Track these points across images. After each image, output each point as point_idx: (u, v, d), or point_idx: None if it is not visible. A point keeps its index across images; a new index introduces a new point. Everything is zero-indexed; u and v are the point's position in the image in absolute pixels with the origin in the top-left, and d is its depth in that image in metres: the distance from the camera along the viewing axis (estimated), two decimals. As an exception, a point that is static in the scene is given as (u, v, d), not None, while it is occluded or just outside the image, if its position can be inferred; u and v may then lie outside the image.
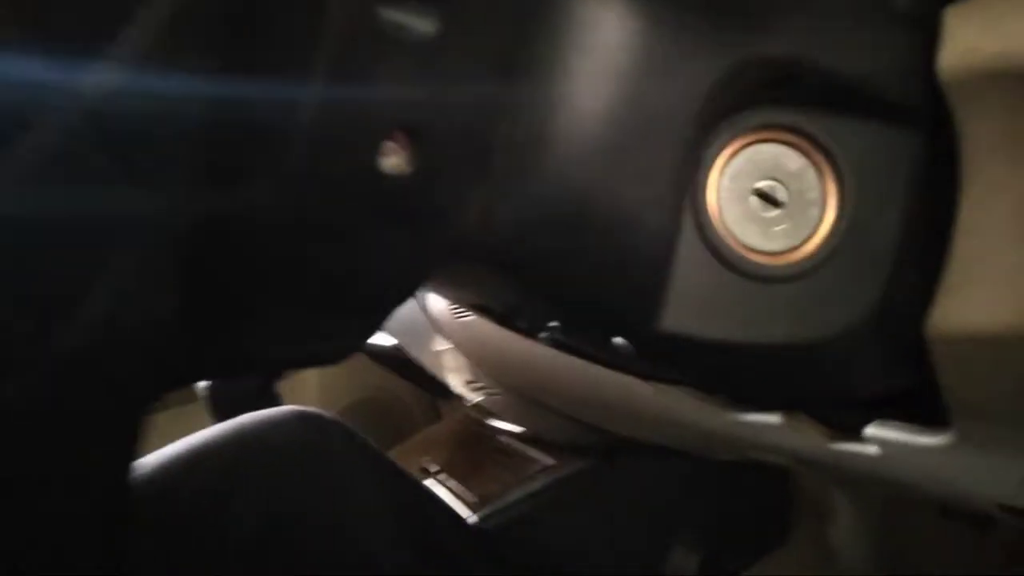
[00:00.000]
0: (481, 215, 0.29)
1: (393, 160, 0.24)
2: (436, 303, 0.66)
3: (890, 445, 0.42)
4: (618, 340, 0.35)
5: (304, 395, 1.20)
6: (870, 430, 0.43)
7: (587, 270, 0.30)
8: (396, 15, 0.21)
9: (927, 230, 0.33)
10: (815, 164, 0.32)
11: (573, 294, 0.31)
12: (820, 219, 0.32)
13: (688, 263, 0.31)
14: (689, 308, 0.32)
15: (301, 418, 0.53)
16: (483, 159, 0.28)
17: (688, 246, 0.31)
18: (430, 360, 0.84)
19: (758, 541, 0.83)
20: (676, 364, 0.34)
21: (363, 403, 1.26)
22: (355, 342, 0.32)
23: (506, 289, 0.32)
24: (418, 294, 0.68)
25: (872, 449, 0.44)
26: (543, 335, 0.38)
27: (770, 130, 0.32)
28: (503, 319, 0.38)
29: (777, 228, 0.32)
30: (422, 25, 0.22)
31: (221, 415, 0.67)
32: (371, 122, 0.23)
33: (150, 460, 0.49)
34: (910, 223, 0.32)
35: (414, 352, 0.84)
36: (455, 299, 0.38)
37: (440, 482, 0.81)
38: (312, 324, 0.30)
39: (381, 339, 0.87)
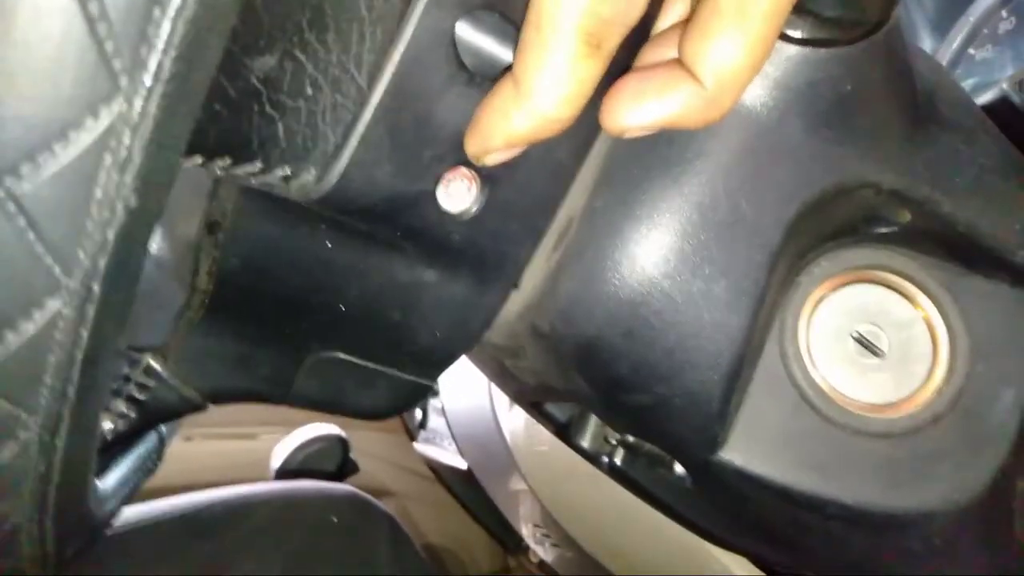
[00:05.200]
0: (545, 281, 0.28)
1: (457, 199, 0.24)
2: (515, 430, 0.64)
3: None
4: (679, 471, 0.31)
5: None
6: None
7: (646, 373, 0.28)
8: (474, 35, 0.21)
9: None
10: (927, 317, 0.29)
11: (628, 400, 0.29)
12: (926, 379, 0.29)
13: (767, 394, 0.29)
14: (760, 443, 0.28)
15: (352, 499, 0.53)
16: (551, 212, 0.27)
17: (770, 375, 0.29)
18: (503, 499, 0.80)
19: None
20: (738, 507, 0.31)
21: (435, 545, 1.22)
22: (405, 399, 0.30)
23: (560, 378, 0.30)
24: (497, 418, 0.66)
25: None
26: (603, 458, 0.35)
27: (879, 271, 0.29)
28: (563, 430, 0.36)
29: (875, 378, 0.29)
30: (500, 52, 0.21)
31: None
32: (431, 146, 0.23)
33: (208, 493, 0.50)
34: None
35: (488, 486, 0.80)
36: (514, 392, 0.37)
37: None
38: (361, 372, 0.30)
39: (457, 462, 0.84)
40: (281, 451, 0.77)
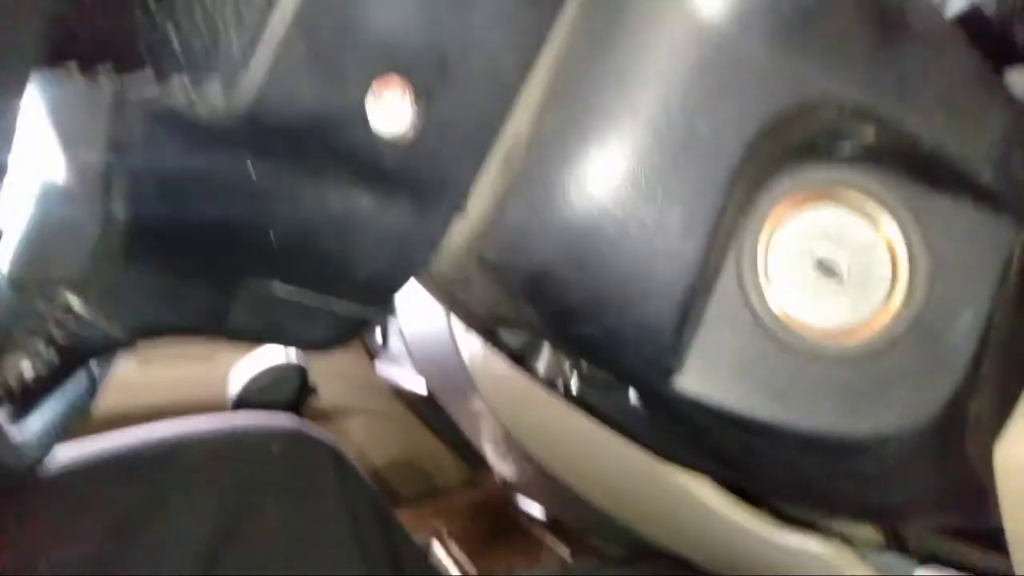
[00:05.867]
0: (490, 208, 0.26)
1: (391, 115, 0.22)
2: (473, 352, 0.63)
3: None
4: (635, 398, 0.31)
5: (344, 447, 1.19)
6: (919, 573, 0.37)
7: (597, 303, 0.26)
8: None
9: (1013, 343, 0.29)
10: (887, 239, 0.28)
11: (579, 331, 0.28)
12: (885, 302, 0.28)
13: (723, 321, 0.28)
14: (715, 372, 0.28)
15: (293, 431, 0.52)
16: (495, 130, 0.25)
17: (726, 301, 0.28)
18: (465, 420, 0.80)
19: None
20: (693, 434, 0.30)
21: (401, 460, 1.24)
22: (348, 330, 0.29)
23: (510, 309, 0.29)
24: (455, 340, 0.65)
25: (921, 603, 0.37)
26: (559, 384, 0.34)
27: (841, 190, 0.28)
28: (518, 358, 0.35)
29: (833, 303, 0.28)
30: None
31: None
32: (357, 49, 0.20)
33: (145, 430, 0.48)
34: (992, 330, 0.27)
35: (450, 407, 0.80)
36: (466, 320, 0.35)
37: (447, 548, 0.77)
38: (300, 303, 0.28)
39: (418, 387, 0.84)
40: (237, 379, 0.76)
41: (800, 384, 0.28)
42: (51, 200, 0.25)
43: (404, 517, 0.93)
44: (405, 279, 0.27)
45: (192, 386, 0.99)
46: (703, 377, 0.28)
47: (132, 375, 0.98)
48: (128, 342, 0.28)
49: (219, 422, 0.50)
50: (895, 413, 0.27)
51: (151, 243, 0.26)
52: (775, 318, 0.28)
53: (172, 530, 0.44)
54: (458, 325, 0.65)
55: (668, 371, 0.27)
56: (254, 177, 0.23)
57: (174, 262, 0.27)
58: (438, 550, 0.77)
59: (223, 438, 0.49)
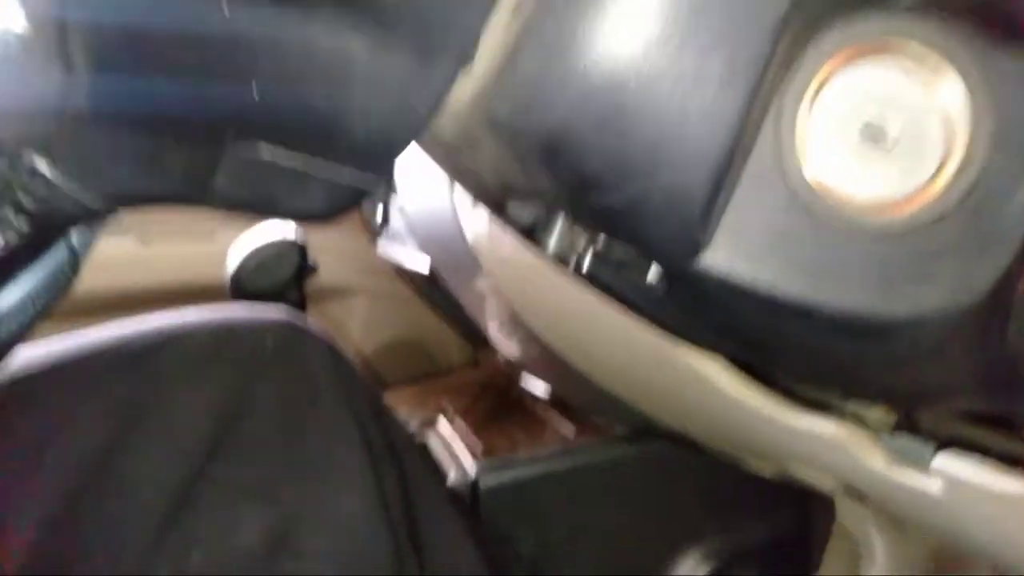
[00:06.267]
0: (500, 59, 0.23)
1: None
2: (478, 232, 0.61)
3: (959, 485, 0.35)
4: (654, 276, 0.29)
5: (347, 326, 1.18)
6: (939, 461, 0.36)
7: (620, 169, 0.24)
8: None
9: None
10: (946, 99, 0.25)
11: (599, 200, 0.25)
12: (937, 171, 0.25)
13: (755, 191, 0.25)
14: (745, 247, 0.25)
15: (287, 324, 0.51)
16: None
17: (760, 170, 0.25)
18: (469, 300, 0.79)
19: (782, 566, 0.76)
20: (715, 315, 0.28)
21: (403, 340, 1.24)
22: (345, 200, 0.26)
23: (522, 176, 0.27)
24: (460, 220, 0.63)
25: (936, 486, 0.37)
26: (571, 261, 0.32)
27: (898, 43, 0.25)
28: (527, 233, 0.32)
29: (879, 171, 0.25)
30: None
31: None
32: None
33: (139, 320, 0.48)
34: None
35: (453, 287, 0.79)
36: (474, 191, 0.33)
37: (452, 425, 0.77)
38: (291, 168, 0.25)
39: (420, 266, 0.82)
40: (235, 255, 0.74)
41: (836, 261, 0.25)
42: (4, 52, 0.22)
43: (408, 395, 0.94)
44: (406, 140, 0.24)
45: (192, 265, 0.98)
46: (732, 253, 0.25)
47: (131, 254, 0.96)
48: (105, 210, 0.26)
49: (211, 314, 0.49)
50: (937, 293, 0.25)
51: (121, 100, 0.23)
52: (813, 189, 0.25)
53: (172, 420, 0.44)
54: (462, 202, 0.62)
55: (695, 246, 0.25)
56: (227, 14, 0.19)
57: (149, 122, 0.24)
58: (443, 427, 0.78)
59: (217, 329, 0.48)
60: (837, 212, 0.25)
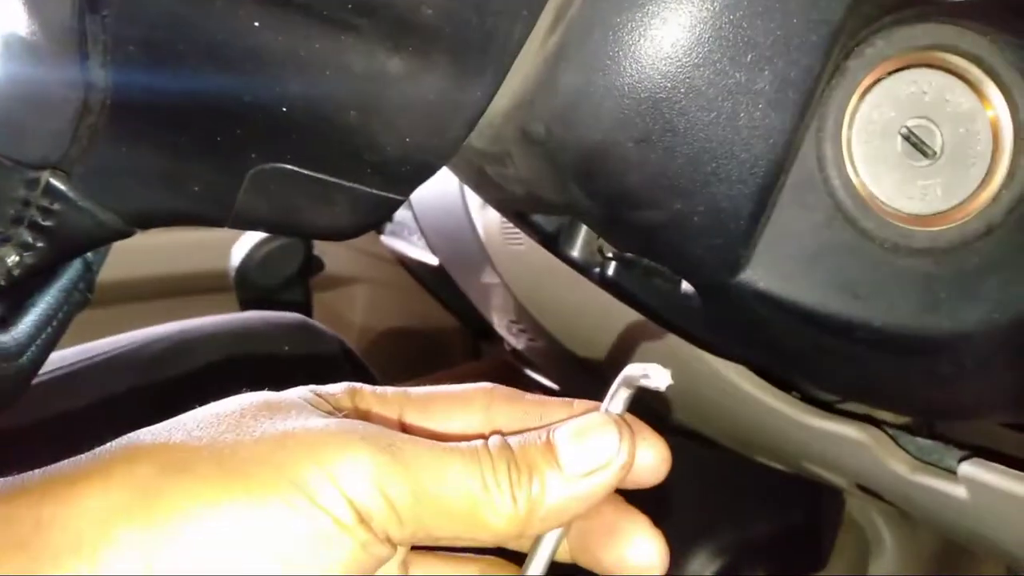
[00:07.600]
0: (539, 71, 0.22)
1: None
2: (489, 227, 0.60)
3: (985, 490, 0.35)
4: (686, 288, 0.28)
5: (349, 316, 1.17)
6: (966, 468, 0.36)
7: (662, 186, 0.23)
8: None
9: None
10: (990, 109, 0.24)
11: (637, 217, 0.24)
12: (983, 182, 0.25)
13: (798, 206, 0.24)
14: (787, 263, 0.25)
15: (302, 327, 0.52)
16: None
17: (802, 184, 0.24)
18: (476, 293, 0.78)
19: (791, 562, 0.76)
20: (749, 329, 0.27)
21: (409, 329, 1.23)
22: (372, 216, 0.25)
23: (555, 191, 0.26)
24: (471, 214, 0.62)
25: (960, 491, 0.36)
26: (595, 268, 0.32)
27: (941, 54, 0.24)
28: (550, 241, 0.32)
29: (923, 183, 0.25)
30: None
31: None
32: None
33: (149, 332, 0.47)
34: None
35: (460, 280, 0.78)
36: (495, 200, 0.32)
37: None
38: (316, 186, 0.24)
39: (427, 257, 0.81)
40: (239, 249, 0.73)
41: (880, 276, 0.25)
42: (18, 66, 0.22)
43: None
44: (441, 159, 0.24)
45: (194, 254, 0.97)
46: (773, 269, 0.25)
47: (132, 241, 0.95)
48: (127, 230, 0.25)
49: (227, 320, 0.49)
50: (983, 308, 0.25)
51: (139, 116, 0.22)
52: (857, 202, 0.25)
53: None
54: (473, 196, 0.61)
55: (736, 263, 0.24)
56: (257, 25, 0.19)
57: (169, 138, 0.23)
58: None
59: (234, 335, 0.48)
60: (881, 226, 0.24)
